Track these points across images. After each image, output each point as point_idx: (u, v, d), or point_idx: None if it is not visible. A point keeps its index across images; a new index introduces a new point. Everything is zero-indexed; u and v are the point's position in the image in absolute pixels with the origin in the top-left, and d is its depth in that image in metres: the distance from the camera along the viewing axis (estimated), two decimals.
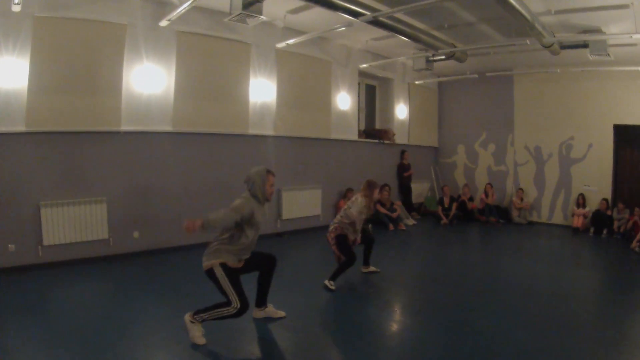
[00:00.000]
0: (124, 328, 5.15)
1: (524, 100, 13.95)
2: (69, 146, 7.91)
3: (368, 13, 8.07)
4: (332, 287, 6.66)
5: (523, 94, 13.94)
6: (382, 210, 12.27)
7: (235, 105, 9.98)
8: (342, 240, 6.89)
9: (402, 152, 14.27)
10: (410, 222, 13.09)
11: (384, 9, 8.21)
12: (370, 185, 7.09)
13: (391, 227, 12.04)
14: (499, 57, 12.13)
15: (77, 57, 7.98)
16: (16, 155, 7.47)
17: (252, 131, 10.21)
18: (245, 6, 7.16)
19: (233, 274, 4.84)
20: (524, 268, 8.53)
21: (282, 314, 5.56)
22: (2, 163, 7.35)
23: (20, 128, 7.45)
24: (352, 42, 12.02)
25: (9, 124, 7.34)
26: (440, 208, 13.76)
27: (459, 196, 14.22)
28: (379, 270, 7.61)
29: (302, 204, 11.15)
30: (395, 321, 5.81)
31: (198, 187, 9.37)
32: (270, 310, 5.53)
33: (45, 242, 7.64)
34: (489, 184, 14.24)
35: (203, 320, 4.80)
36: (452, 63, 11.86)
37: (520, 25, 8.30)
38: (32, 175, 7.58)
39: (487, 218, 13.58)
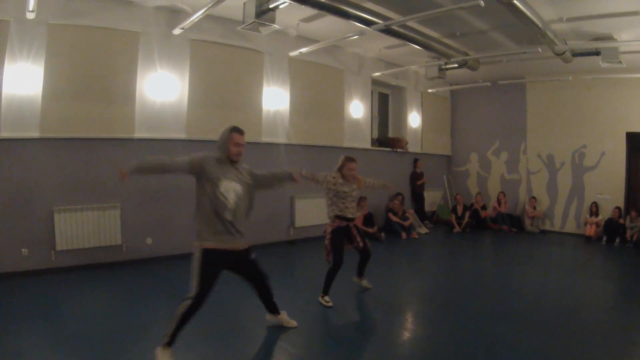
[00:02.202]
0: (137, 333, 5.21)
1: (537, 108, 13.88)
2: (82, 152, 8.01)
3: (380, 21, 8.06)
4: (329, 304, 6.32)
5: (535, 101, 13.87)
6: (395, 218, 12.31)
7: (249, 113, 10.03)
8: (337, 237, 6.49)
9: (415, 161, 14.23)
10: (423, 230, 13.06)
11: (396, 17, 8.23)
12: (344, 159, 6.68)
13: (404, 235, 12.02)
14: (511, 65, 12.09)
15: (91, 64, 8.09)
16: (30, 161, 7.59)
17: (265, 139, 10.25)
18: (258, 15, 7.22)
19: (209, 263, 4.63)
20: (536, 277, 8.48)
21: (293, 323, 5.47)
22: (16, 168, 7.48)
23: (35, 134, 7.58)
24: (365, 50, 12.05)
25: (23, 129, 7.46)
26: (453, 216, 13.74)
27: (472, 205, 14.18)
28: (370, 287, 7.09)
29: (314, 211, 11.01)
30: (407, 329, 5.79)
31: None
32: (283, 318, 5.45)
33: (58, 247, 7.73)
34: (502, 192, 14.18)
35: (171, 338, 4.43)
36: (464, 71, 11.87)
37: (531, 33, 8.33)
38: (46, 181, 7.68)
39: (499, 226, 13.52)
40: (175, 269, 8.07)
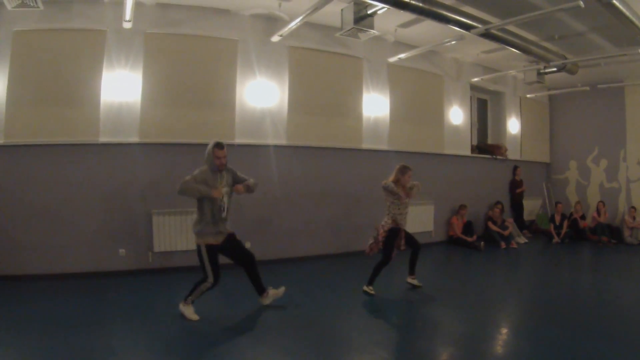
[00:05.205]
0: (229, 336, 5.45)
1: (636, 113, 13.43)
2: (182, 157, 8.17)
3: (480, 26, 8.10)
4: (372, 292, 7.10)
5: (634, 106, 13.43)
6: (494, 228, 12.30)
7: (349, 119, 10.32)
8: (392, 236, 7.13)
9: (515, 168, 14.11)
10: (522, 240, 12.93)
11: (495, 21, 8.24)
12: (402, 169, 7.16)
13: (503, 245, 11.93)
14: (610, 68, 11.82)
15: (189, 71, 8.56)
16: (129, 165, 8.08)
17: (365, 145, 10.52)
18: (357, 21, 7.45)
19: (213, 253, 5.87)
20: (636, 292, 8.06)
21: (281, 290, 6.60)
22: (117, 171, 8.01)
23: (134, 139, 8.10)
24: (463, 55, 12.11)
25: (122, 134, 8.00)
26: (552, 226, 13.42)
27: (571, 214, 13.79)
28: (421, 285, 7.50)
29: (413, 219, 10.32)
30: (503, 344, 5.57)
31: (312, 201, 9.67)
32: (272, 292, 6.52)
33: (156, 249, 8.21)
34: (601, 201, 13.67)
35: (192, 302, 5.87)
36: (563, 75, 11.79)
37: (631, 34, 8.25)
38: (145, 184, 8.11)
39: (599, 237, 12.98)
40: (272, 274, 7.72)
